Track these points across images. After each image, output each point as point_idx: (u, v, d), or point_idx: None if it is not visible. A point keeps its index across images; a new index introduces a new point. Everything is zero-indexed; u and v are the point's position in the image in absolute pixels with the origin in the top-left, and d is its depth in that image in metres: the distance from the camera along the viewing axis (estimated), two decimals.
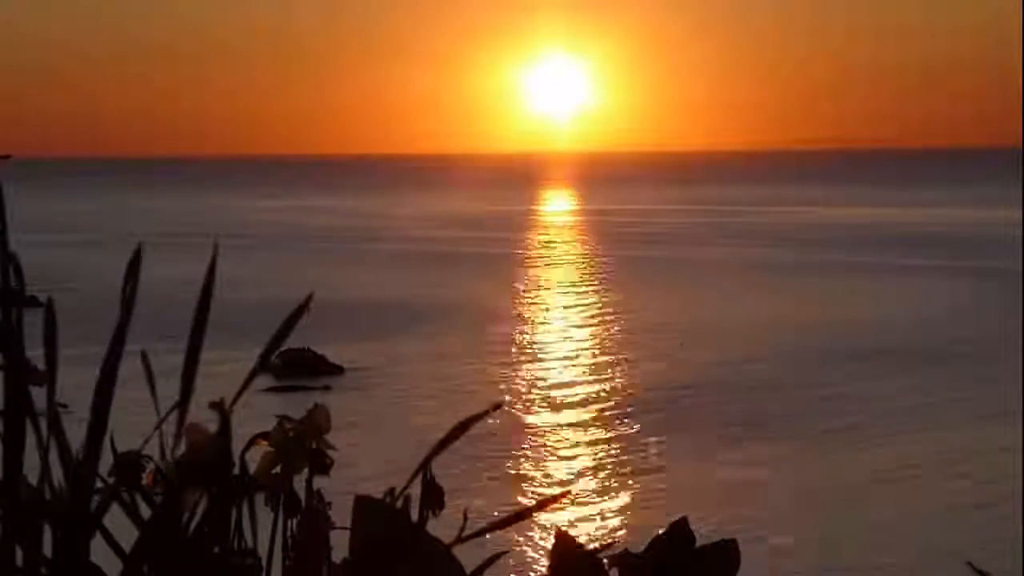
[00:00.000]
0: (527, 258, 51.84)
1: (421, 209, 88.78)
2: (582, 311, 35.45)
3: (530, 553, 13.58)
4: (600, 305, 36.79)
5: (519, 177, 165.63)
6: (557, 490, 16.39)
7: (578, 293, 39.57)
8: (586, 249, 57.00)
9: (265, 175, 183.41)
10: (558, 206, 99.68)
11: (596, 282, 42.90)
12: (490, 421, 20.70)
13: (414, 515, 2.18)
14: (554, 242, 61.59)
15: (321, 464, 2.19)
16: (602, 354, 27.94)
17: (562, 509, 15.81)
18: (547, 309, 35.84)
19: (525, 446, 19.49)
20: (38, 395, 2.03)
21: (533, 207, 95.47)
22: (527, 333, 30.84)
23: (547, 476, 17.93)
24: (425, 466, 2.17)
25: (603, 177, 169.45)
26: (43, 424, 2.02)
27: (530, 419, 21.25)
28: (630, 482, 17.50)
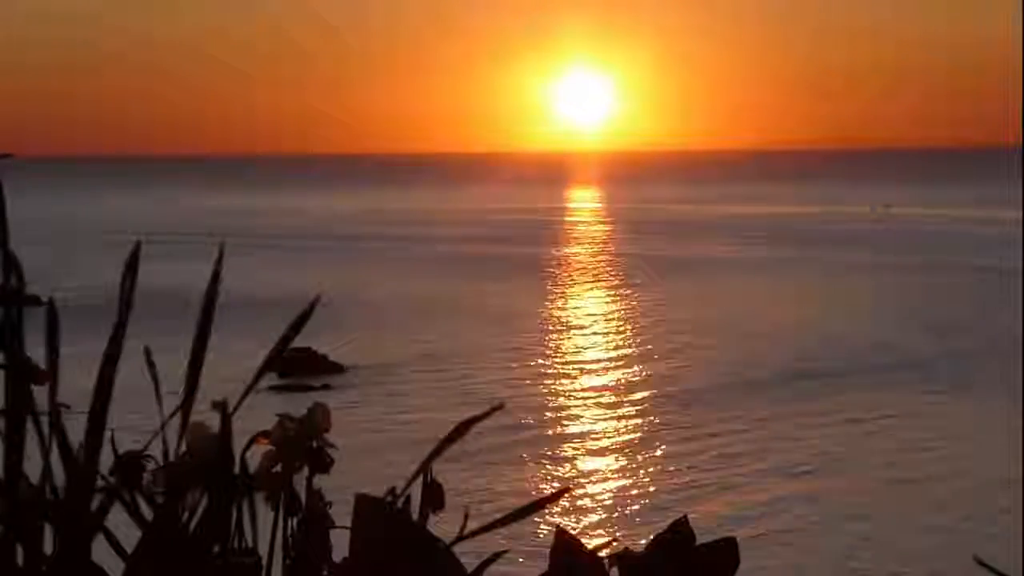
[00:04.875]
0: (549, 256, 51.78)
1: (461, 204, 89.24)
2: (594, 310, 35.44)
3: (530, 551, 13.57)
4: (618, 301, 36.81)
5: (551, 174, 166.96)
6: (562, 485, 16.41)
7: (595, 294, 39.53)
8: (603, 246, 57.04)
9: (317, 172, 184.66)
10: (585, 203, 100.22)
11: (615, 280, 42.86)
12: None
13: (414, 514, 2.18)
14: (580, 238, 61.67)
15: (321, 463, 2.18)
16: (622, 348, 27.95)
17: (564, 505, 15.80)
18: (564, 307, 35.81)
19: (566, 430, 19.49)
20: (39, 394, 2.03)
21: (564, 204, 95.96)
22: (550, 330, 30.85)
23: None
24: (426, 467, 2.17)
25: (627, 175, 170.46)
26: (44, 423, 2.02)
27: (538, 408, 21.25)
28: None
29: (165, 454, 2.06)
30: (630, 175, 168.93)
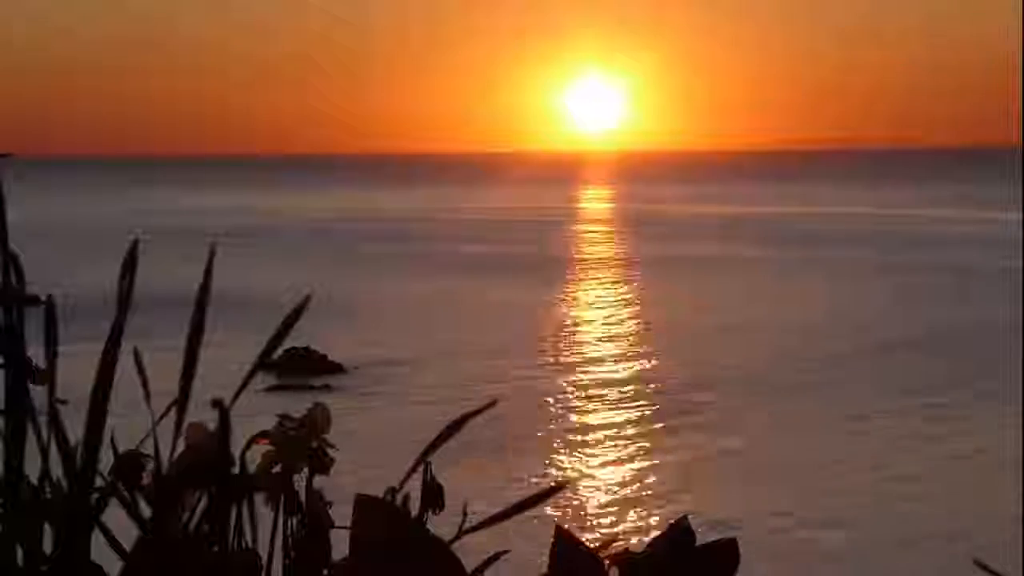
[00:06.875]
0: (555, 256, 51.77)
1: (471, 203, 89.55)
2: (596, 309, 35.43)
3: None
4: (620, 301, 36.81)
5: (562, 174, 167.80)
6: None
7: (603, 294, 39.51)
8: (610, 245, 57.08)
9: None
10: (596, 202, 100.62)
11: (619, 280, 42.85)
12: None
13: (414, 514, 2.17)
14: (588, 238, 61.72)
15: (321, 463, 2.19)
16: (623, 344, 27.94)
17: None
18: (565, 306, 35.80)
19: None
20: (38, 394, 2.03)
21: (574, 204, 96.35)
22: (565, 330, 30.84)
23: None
24: (421, 463, 2.17)
25: (639, 175, 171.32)
26: (43, 423, 2.02)
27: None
28: None
29: (158, 454, 2.06)
30: (642, 175, 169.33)
